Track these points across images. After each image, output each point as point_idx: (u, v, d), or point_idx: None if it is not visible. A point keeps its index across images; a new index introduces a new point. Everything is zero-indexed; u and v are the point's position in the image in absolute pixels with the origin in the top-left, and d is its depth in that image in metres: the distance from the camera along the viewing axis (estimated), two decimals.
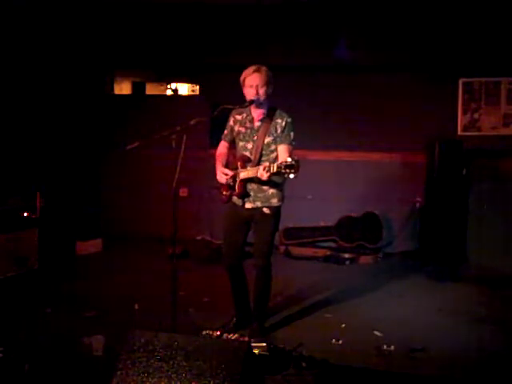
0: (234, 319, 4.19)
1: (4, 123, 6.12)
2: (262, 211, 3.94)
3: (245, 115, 3.98)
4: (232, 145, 4.14)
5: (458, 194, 6.20)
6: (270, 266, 4.04)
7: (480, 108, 6.47)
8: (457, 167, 6.20)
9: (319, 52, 6.59)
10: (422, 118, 6.49)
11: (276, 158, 3.89)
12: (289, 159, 3.43)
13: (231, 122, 4.06)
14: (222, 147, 4.15)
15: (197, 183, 6.65)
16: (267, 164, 3.59)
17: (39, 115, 6.61)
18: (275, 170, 3.50)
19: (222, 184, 4.02)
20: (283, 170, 3.45)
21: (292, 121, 3.92)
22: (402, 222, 6.58)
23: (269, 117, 3.91)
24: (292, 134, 3.91)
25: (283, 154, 3.85)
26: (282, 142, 3.88)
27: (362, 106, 6.69)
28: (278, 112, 3.93)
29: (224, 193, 4.04)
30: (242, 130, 3.97)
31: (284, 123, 3.88)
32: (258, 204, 3.94)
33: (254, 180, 3.85)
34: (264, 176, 3.59)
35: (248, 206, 3.95)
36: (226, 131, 4.12)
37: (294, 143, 3.92)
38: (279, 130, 3.88)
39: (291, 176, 3.44)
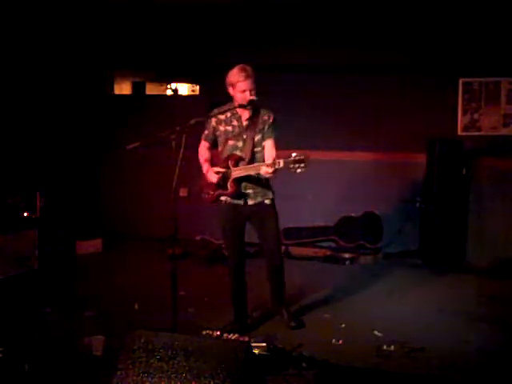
0: (236, 325, 4.16)
1: (4, 123, 6.12)
2: (265, 203, 4.01)
3: (229, 114, 4.00)
4: (212, 145, 4.16)
5: (457, 194, 6.20)
6: (282, 256, 4.25)
7: (480, 108, 6.47)
8: (457, 167, 6.20)
9: (319, 52, 6.58)
10: (422, 118, 6.48)
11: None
12: (294, 154, 3.47)
13: (213, 123, 4.06)
14: (204, 147, 4.16)
15: (197, 183, 6.63)
16: (271, 161, 3.61)
17: (39, 115, 6.60)
18: (282, 165, 3.55)
19: (208, 184, 4.05)
20: (291, 165, 3.50)
21: (275, 116, 4.01)
22: (401, 221, 6.57)
23: (255, 114, 3.96)
24: (277, 129, 4.00)
25: (270, 148, 3.95)
26: (268, 137, 3.96)
27: (362, 106, 6.68)
28: (262, 109, 3.99)
29: (211, 192, 4.05)
30: (229, 128, 4.00)
31: (271, 119, 3.97)
32: (259, 199, 4.00)
33: (251, 177, 3.89)
34: (269, 172, 3.64)
35: (251, 202, 4.00)
36: (206, 131, 4.12)
37: (278, 137, 4.00)
38: (266, 127, 3.95)
39: (298, 171, 3.47)
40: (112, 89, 7.79)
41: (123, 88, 7.98)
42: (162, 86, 8.13)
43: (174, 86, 8.03)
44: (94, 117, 7.40)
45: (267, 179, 3.96)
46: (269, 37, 6.67)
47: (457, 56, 6.30)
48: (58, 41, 6.75)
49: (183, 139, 3.51)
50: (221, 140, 4.06)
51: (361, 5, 6.37)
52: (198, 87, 7.87)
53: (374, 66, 6.57)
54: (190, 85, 8.10)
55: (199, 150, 4.17)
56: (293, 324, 4.20)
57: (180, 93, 8.10)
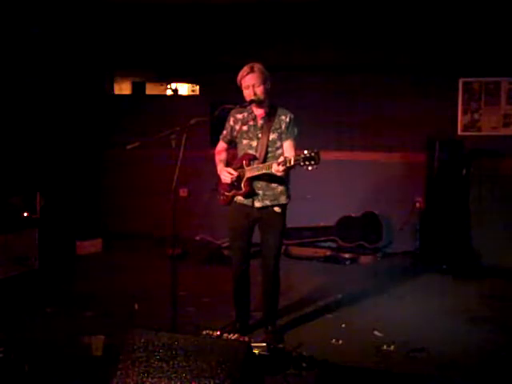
0: (238, 325, 4.13)
1: (4, 123, 6.12)
2: (273, 210, 3.91)
3: (246, 114, 3.96)
4: (230, 145, 4.12)
5: (457, 194, 6.20)
6: (278, 267, 4.04)
7: (480, 108, 6.47)
8: (457, 167, 6.20)
9: (319, 52, 6.59)
10: (422, 118, 6.49)
11: (282, 155, 3.87)
12: (305, 151, 3.41)
13: (231, 122, 4.03)
14: (221, 148, 4.12)
15: (197, 183, 6.65)
16: (282, 159, 3.56)
17: (39, 115, 6.61)
18: (292, 163, 3.47)
19: (223, 185, 4.00)
20: (302, 163, 3.42)
21: (295, 117, 3.92)
22: (402, 221, 6.57)
23: (271, 114, 3.90)
24: (296, 129, 3.92)
25: (289, 149, 3.87)
26: (287, 138, 3.89)
27: (363, 106, 6.69)
28: (279, 109, 3.93)
29: (226, 194, 3.99)
30: (245, 128, 3.96)
31: (288, 119, 3.89)
32: (267, 202, 3.90)
33: (262, 178, 3.83)
34: (280, 171, 3.56)
35: (257, 204, 3.91)
36: (225, 132, 4.09)
37: (297, 138, 3.93)
38: (284, 127, 3.88)
39: (310, 168, 3.41)
40: (112, 89, 7.79)
41: (123, 88, 7.98)
42: (162, 85, 8.13)
43: (174, 85, 8.03)
44: (94, 117, 7.40)
45: (283, 182, 3.87)
46: (269, 37, 6.68)
47: (457, 56, 6.30)
48: (58, 41, 6.75)
49: (183, 139, 3.51)
50: (238, 139, 4.03)
51: (361, 5, 6.38)
52: (197, 87, 7.86)
53: (374, 65, 6.57)
54: (189, 85, 8.10)
55: (216, 150, 4.14)
56: (269, 341, 3.76)
57: (180, 93, 8.10)
